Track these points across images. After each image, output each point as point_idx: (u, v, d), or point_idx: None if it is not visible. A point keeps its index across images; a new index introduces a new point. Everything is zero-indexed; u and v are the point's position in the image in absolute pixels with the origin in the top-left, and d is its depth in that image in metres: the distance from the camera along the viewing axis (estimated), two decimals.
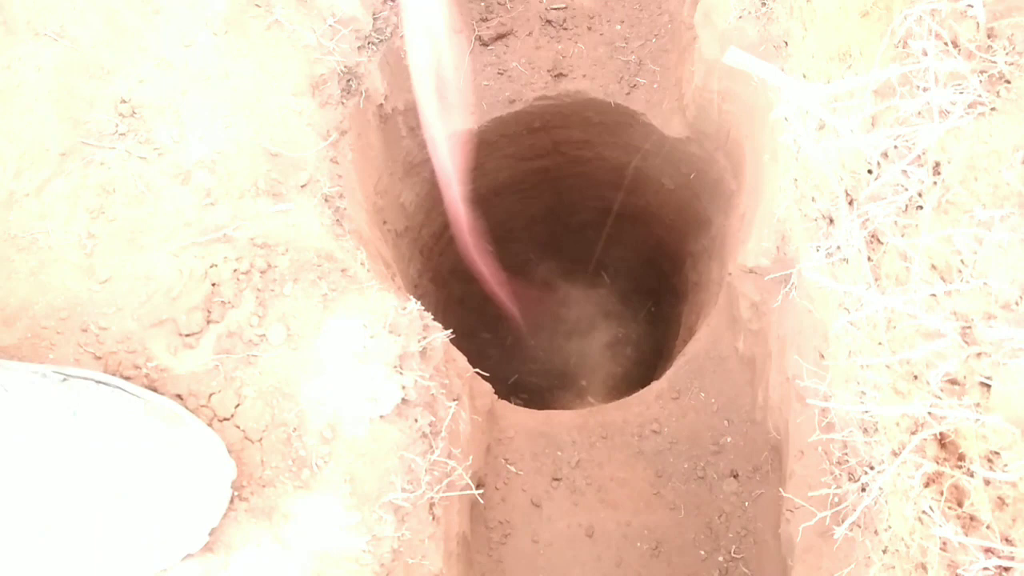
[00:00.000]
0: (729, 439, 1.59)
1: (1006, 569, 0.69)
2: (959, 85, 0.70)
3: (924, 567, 0.84)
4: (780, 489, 1.31)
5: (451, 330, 1.18)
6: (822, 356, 1.11)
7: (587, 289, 2.80)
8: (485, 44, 1.78)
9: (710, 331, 1.64)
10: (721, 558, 1.52)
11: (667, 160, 1.85)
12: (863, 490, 0.93)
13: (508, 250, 2.42)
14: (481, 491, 1.33)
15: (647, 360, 2.52)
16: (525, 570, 1.52)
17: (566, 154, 2.03)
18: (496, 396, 1.64)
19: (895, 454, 0.87)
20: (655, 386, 1.69)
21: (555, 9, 1.78)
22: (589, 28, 1.80)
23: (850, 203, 0.90)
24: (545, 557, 1.53)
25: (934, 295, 0.71)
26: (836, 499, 1.08)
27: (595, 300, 2.82)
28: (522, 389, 2.58)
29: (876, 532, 0.97)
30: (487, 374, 1.51)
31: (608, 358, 2.79)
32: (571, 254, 2.58)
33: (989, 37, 0.70)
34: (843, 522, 1.04)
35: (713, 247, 1.80)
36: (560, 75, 1.78)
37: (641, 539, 1.55)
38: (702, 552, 1.53)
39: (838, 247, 0.95)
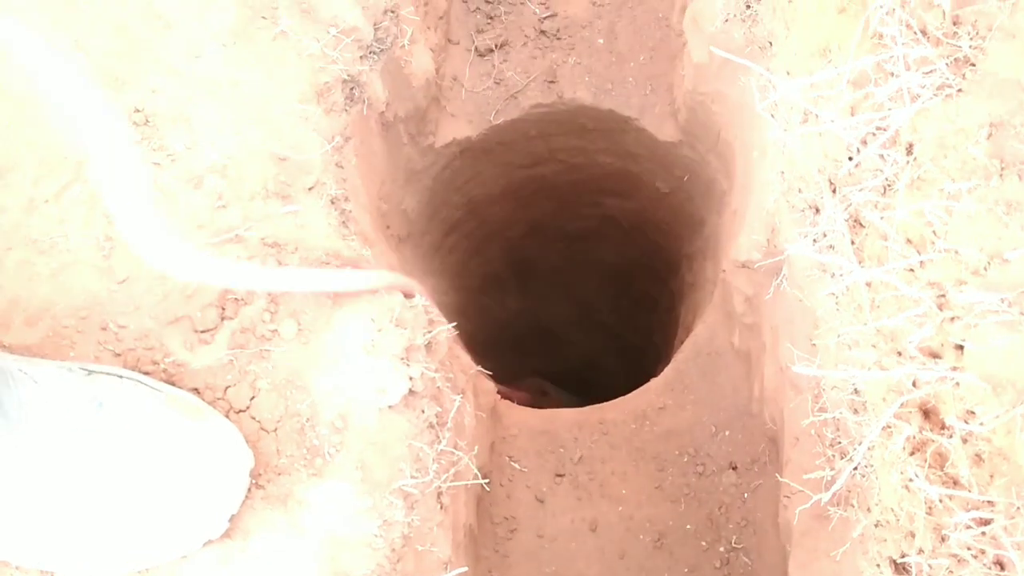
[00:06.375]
0: (727, 432, 1.62)
1: (986, 522, 0.73)
2: (928, 70, 0.74)
3: (912, 534, 0.88)
4: (777, 475, 1.34)
5: (455, 323, 1.22)
6: (812, 342, 1.15)
7: (585, 298, 2.83)
8: (481, 55, 1.83)
9: (706, 328, 1.67)
10: (722, 548, 1.55)
11: (660, 164, 1.90)
12: (852, 462, 0.97)
13: (509, 256, 2.46)
14: (487, 480, 1.37)
15: (647, 360, 2.55)
16: (531, 564, 1.55)
17: (563, 161, 2.07)
18: (499, 396, 1.68)
19: (883, 428, 0.91)
20: (653, 383, 1.73)
21: (548, 19, 1.83)
22: (583, 37, 1.85)
23: (833, 190, 0.95)
24: (550, 551, 1.57)
25: (911, 269, 0.75)
26: (830, 479, 1.12)
27: (592, 307, 2.86)
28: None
29: (869, 509, 1.00)
30: (490, 373, 1.55)
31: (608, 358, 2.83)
32: (570, 260, 2.61)
33: (955, 24, 0.75)
34: (835, 500, 1.08)
35: (707, 247, 1.84)
36: (554, 83, 1.83)
37: (643, 532, 1.58)
38: (703, 543, 1.55)
39: (824, 234, 1.00)
